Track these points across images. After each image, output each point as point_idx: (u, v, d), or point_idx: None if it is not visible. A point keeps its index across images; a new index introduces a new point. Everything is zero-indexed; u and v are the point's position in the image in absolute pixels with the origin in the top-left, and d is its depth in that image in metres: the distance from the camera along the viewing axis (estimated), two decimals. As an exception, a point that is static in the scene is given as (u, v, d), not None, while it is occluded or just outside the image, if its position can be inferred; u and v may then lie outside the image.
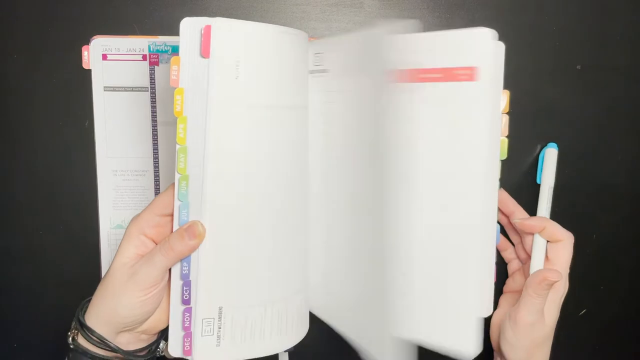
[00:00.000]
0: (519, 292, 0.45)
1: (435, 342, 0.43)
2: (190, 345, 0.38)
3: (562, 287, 0.44)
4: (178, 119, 0.36)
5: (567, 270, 0.45)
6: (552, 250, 0.45)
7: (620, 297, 0.52)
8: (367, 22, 0.49)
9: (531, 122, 0.49)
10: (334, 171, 0.43)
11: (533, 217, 0.46)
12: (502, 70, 0.46)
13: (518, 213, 0.47)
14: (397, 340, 0.37)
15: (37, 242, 0.51)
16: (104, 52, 0.48)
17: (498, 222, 0.49)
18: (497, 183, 0.48)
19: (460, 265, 0.43)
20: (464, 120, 0.46)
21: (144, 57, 0.48)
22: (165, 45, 0.48)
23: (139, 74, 0.48)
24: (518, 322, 0.43)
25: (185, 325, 0.38)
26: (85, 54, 0.48)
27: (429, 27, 0.48)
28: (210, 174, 0.37)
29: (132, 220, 0.39)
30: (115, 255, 0.38)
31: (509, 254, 0.50)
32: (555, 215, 0.47)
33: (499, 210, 0.49)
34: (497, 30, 0.44)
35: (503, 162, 0.48)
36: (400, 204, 0.45)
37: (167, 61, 0.48)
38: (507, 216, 0.48)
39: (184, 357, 0.39)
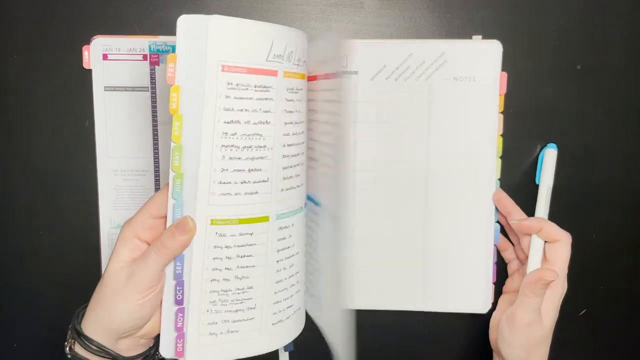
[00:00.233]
0: (518, 293, 0.45)
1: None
2: (182, 347, 0.38)
3: (560, 287, 0.44)
4: (174, 117, 0.36)
5: (566, 270, 0.45)
6: (550, 250, 0.45)
7: (620, 297, 0.52)
8: (367, 22, 0.49)
9: (531, 122, 0.49)
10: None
11: (530, 218, 0.46)
12: (499, 68, 0.46)
13: (516, 214, 0.47)
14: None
15: (37, 242, 0.51)
16: (105, 52, 0.48)
17: (498, 222, 0.49)
18: (496, 182, 0.48)
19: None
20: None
21: (145, 57, 0.48)
22: (166, 45, 0.48)
23: (139, 73, 0.48)
24: (515, 321, 0.43)
25: (178, 325, 0.38)
26: (85, 53, 0.48)
27: (429, 27, 0.48)
28: (205, 172, 0.36)
29: (125, 224, 0.38)
30: (110, 259, 0.38)
31: (509, 254, 0.50)
32: (555, 215, 0.47)
33: (498, 210, 0.49)
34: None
35: (503, 162, 0.48)
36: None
37: (167, 61, 0.48)
38: (505, 216, 0.48)
39: (176, 358, 0.38)
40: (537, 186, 0.48)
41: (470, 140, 0.48)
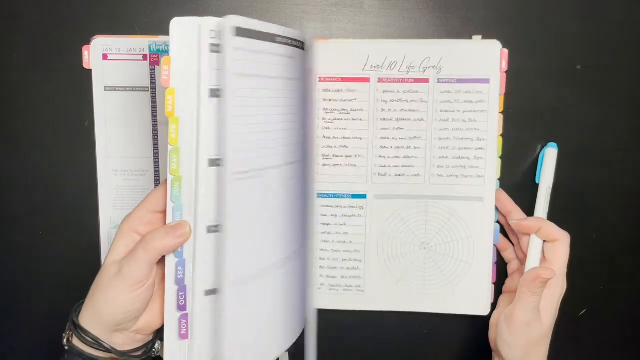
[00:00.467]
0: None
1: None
2: (187, 355, 0.37)
3: (559, 287, 0.44)
4: (170, 119, 0.35)
5: (565, 270, 0.45)
6: (549, 250, 0.45)
7: (620, 297, 0.52)
8: (368, 22, 0.49)
9: (531, 122, 0.49)
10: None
11: (529, 218, 0.46)
12: (499, 68, 0.46)
13: (515, 213, 0.47)
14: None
15: (37, 242, 0.51)
16: (105, 52, 0.48)
17: (498, 222, 0.49)
18: (496, 182, 0.48)
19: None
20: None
21: (145, 57, 0.48)
22: (166, 45, 0.48)
23: (139, 73, 0.48)
24: (514, 321, 0.43)
25: (182, 332, 0.37)
26: (85, 53, 0.48)
27: (429, 27, 0.48)
28: (202, 175, 0.36)
29: (124, 218, 0.39)
30: (108, 253, 0.38)
31: (509, 254, 0.50)
32: (555, 215, 0.47)
33: (498, 210, 0.49)
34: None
35: (503, 162, 0.48)
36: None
37: (167, 61, 0.48)
38: (505, 216, 0.48)
39: None
40: (537, 186, 0.48)
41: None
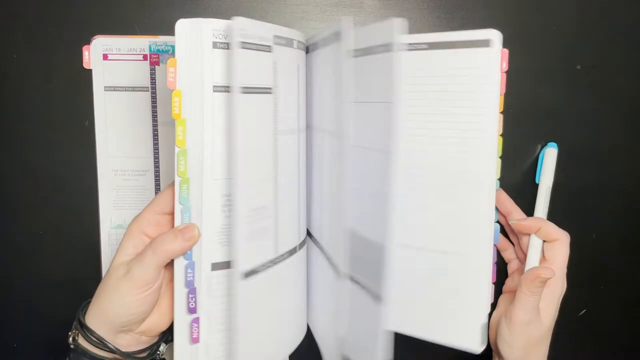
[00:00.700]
0: (517, 292, 0.45)
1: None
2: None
3: (559, 287, 0.44)
4: (177, 121, 0.35)
5: (564, 270, 0.45)
6: (548, 249, 0.45)
7: (620, 297, 0.52)
8: (367, 22, 0.49)
9: (531, 122, 0.49)
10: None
11: (529, 218, 0.47)
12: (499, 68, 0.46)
13: (515, 213, 0.47)
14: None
15: (37, 242, 0.51)
16: (105, 52, 0.48)
17: (498, 222, 0.49)
18: (496, 182, 0.48)
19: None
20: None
21: (145, 57, 0.48)
22: (166, 45, 0.48)
23: (139, 73, 0.48)
24: (513, 320, 0.43)
25: (194, 336, 0.37)
26: (85, 53, 0.48)
27: (429, 27, 0.48)
28: (210, 176, 0.36)
29: (133, 220, 0.39)
30: (116, 253, 0.38)
31: (509, 254, 0.50)
32: (555, 215, 0.47)
33: (498, 210, 0.49)
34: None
35: (503, 162, 0.48)
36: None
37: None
38: (505, 216, 0.48)
39: None
40: (537, 186, 0.48)
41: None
